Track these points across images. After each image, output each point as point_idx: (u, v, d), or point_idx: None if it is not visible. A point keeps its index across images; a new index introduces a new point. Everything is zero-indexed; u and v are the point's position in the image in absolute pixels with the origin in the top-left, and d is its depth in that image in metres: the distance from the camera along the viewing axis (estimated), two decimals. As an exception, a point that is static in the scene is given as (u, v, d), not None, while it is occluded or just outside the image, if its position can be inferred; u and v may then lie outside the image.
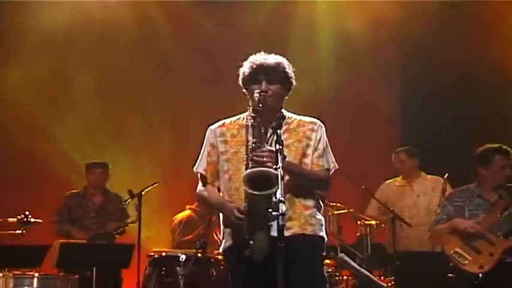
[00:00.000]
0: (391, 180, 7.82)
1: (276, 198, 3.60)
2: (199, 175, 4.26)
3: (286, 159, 3.88)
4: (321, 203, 4.25)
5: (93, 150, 8.78)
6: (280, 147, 3.79)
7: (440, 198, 6.70)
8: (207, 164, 4.22)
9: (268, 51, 4.18)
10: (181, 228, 7.61)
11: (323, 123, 4.26)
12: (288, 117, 4.22)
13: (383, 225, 7.41)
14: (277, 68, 4.10)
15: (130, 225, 7.27)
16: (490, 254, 5.74)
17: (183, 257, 6.56)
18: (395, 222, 7.23)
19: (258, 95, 4.00)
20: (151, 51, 9.25)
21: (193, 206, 7.75)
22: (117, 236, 7.39)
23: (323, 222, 4.19)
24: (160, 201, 8.28)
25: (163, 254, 6.81)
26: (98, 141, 8.92)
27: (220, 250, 4.24)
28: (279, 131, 3.89)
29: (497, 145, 5.99)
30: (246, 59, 4.18)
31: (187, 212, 7.76)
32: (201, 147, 4.26)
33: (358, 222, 7.41)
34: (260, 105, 3.97)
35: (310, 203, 4.15)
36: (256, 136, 3.93)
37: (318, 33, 9.21)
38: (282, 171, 3.67)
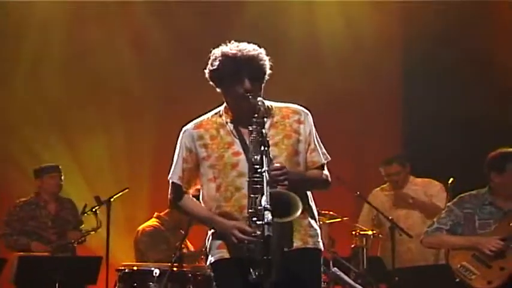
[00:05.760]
0: (378, 189, 7.65)
1: (261, 205, 3.44)
2: (171, 183, 3.96)
3: (279, 159, 3.70)
4: (314, 205, 3.94)
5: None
6: (266, 149, 3.55)
7: (444, 205, 6.41)
8: (182, 171, 3.92)
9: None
10: (148, 241, 7.17)
11: (306, 108, 3.96)
12: (269, 107, 3.84)
13: (380, 235, 7.15)
14: (259, 61, 3.76)
15: (92, 233, 7.04)
16: (500, 268, 5.47)
17: (156, 271, 6.19)
18: (394, 234, 6.95)
19: (261, 102, 3.69)
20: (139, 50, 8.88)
21: (162, 214, 7.33)
22: (75, 245, 7.09)
23: (319, 231, 3.92)
24: (129, 208, 8.00)
25: (135, 268, 6.41)
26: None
27: (208, 263, 3.95)
28: (264, 130, 3.60)
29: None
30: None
31: (153, 222, 7.33)
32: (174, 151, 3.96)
33: (353, 232, 7.08)
34: (260, 115, 3.67)
35: (306, 208, 3.82)
36: (257, 152, 3.62)
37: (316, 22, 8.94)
38: (267, 175, 3.48)
